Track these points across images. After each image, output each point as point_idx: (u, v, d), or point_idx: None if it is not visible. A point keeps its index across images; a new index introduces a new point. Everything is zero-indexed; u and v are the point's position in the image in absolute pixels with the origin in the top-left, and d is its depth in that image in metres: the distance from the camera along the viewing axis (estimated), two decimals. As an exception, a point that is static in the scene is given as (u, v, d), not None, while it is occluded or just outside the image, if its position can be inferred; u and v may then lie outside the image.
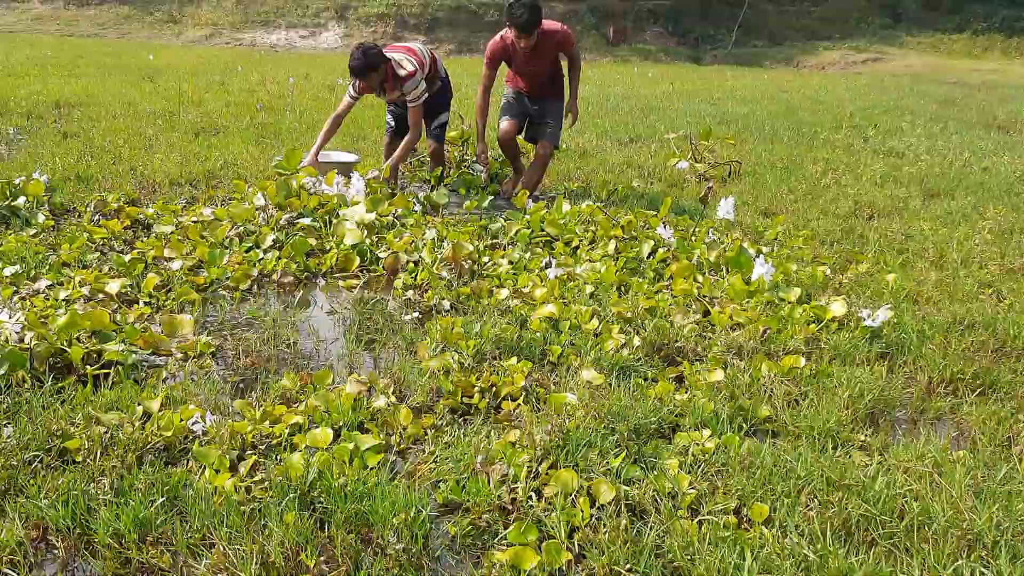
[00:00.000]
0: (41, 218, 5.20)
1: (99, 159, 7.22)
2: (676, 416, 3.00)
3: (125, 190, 6.16)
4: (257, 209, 5.44)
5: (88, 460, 2.50)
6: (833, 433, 2.90)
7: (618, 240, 5.13)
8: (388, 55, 6.06)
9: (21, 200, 5.30)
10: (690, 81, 20.50)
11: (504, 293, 4.08)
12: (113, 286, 3.91)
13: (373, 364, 3.52)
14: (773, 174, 8.11)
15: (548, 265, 4.71)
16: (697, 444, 2.77)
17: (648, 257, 4.93)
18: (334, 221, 5.29)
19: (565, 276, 4.45)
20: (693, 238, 5.19)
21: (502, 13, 29.40)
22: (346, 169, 6.89)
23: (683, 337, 3.71)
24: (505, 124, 6.48)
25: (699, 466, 2.67)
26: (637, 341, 3.58)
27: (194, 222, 5.18)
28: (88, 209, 5.49)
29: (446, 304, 4.12)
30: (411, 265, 4.68)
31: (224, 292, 4.30)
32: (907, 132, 11.87)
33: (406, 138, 6.32)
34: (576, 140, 9.77)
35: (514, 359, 3.40)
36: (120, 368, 3.09)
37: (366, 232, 5.01)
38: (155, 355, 3.40)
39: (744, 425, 2.99)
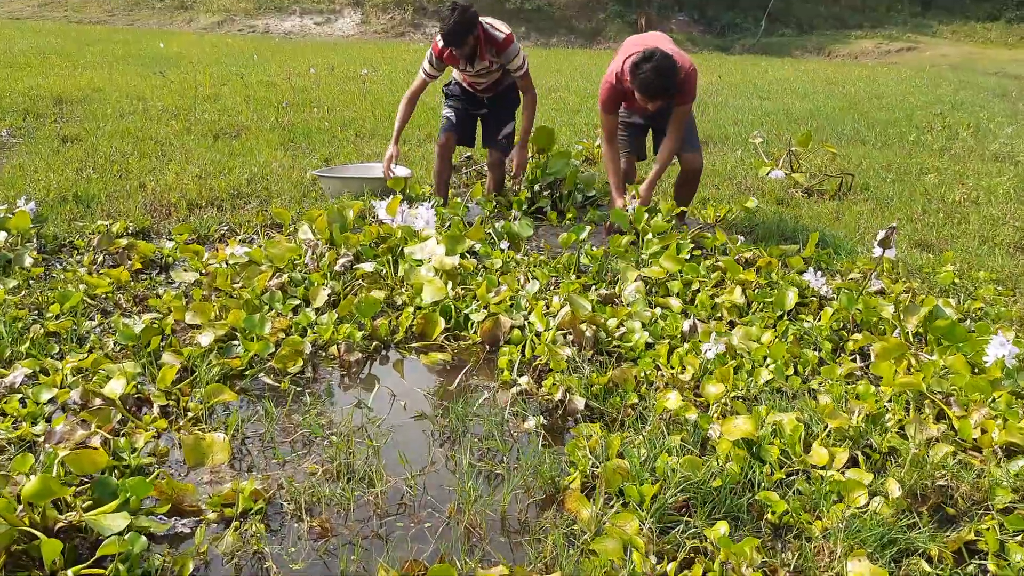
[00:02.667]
0: (28, 262, 4.04)
1: (102, 172, 6.06)
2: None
3: (133, 215, 5.00)
4: (304, 245, 4.28)
5: None
6: None
7: (745, 285, 3.98)
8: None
9: (1, 236, 4.15)
10: (728, 73, 19.16)
11: (672, 398, 2.86)
12: (116, 386, 2.74)
13: (500, 528, 2.35)
14: (888, 188, 6.90)
15: (692, 329, 3.53)
16: None
17: (801, 310, 3.79)
18: (402, 265, 4.12)
19: (725, 354, 3.27)
20: (866, 290, 4.00)
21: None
22: (383, 186, 5.72)
23: (947, 469, 2.53)
24: (625, 164, 5.19)
25: None
26: (895, 488, 2.40)
27: (225, 265, 4.03)
28: (90, 247, 4.34)
29: (579, 402, 2.94)
30: (515, 332, 3.51)
31: (268, 380, 3.13)
32: (996, 132, 10.61)
33: (528, 100, 5.40)
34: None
35: (721, 524, 2.22)
36: (122, 567, 1.93)
37: (449, 283, 3.84)
38: (178, 516, 2.24)
39: None
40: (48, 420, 2.68)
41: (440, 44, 5.05)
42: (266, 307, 3.66)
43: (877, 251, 4.19)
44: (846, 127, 10.42)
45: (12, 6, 29.70)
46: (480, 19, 5.00)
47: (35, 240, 4.41)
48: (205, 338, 3.18)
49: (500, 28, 5.09)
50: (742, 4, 32.25)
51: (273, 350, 3.25)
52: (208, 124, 8.35)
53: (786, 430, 2.68)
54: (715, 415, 2.88)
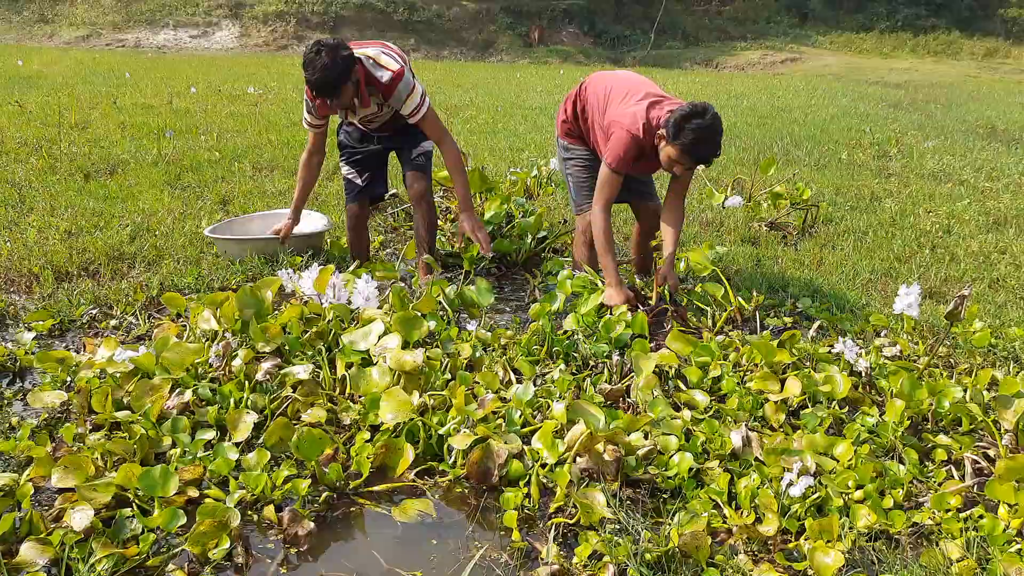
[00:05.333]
0: None
1: (-60, 231, 4.85)
2: None
3: (-21, 296, 3.87)
4: (208, 340, 3.26)
5: None
6: None
7: (776, 368, 3.22)
8: (357, 52, 3.88)
9: None
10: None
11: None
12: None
13: None
14: (853, 219, 6.32)
15: (745, 442, 2.72)
16: None
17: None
18: (340, 360, 3.16)
19: (812, 491, 2.46)
20: (930, 372, 3.28)
21: (411, 12, 26.84)
22: (308, 243, 4.74)
23: None
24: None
25: None
26: None
27: (102, 376, 2.98)
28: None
29: (643, 593, 2.07)
30: (514, 464, 2.61)
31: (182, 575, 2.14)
32: (917, 148, 10.32)
33: (450, 156, 4.16)
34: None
35: None
36: None
37: (415, 391, 2.90)
38: None
39: None
40: None
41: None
42: (166, 439, 2.66)
43: (897, 307, 3.52)
44: (771, 144, 9.94)
45: None
46: (363, 52, 3.91)
47: None
48: (81, 518, 2.15)
49: (386, 64, 3.92)
50: (630, 17, 32.49)
51: (184, 521, 2.26)
52: (77, 160, 7.10)
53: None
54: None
